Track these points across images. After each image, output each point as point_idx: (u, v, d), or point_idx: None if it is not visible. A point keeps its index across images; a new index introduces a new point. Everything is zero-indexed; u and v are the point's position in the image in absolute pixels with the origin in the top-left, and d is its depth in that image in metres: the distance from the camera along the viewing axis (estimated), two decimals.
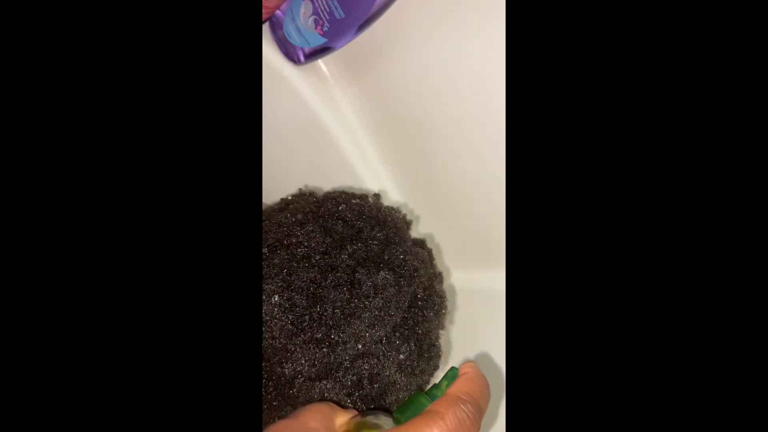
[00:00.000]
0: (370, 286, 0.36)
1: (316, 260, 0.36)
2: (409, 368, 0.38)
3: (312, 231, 0.38)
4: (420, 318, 0.39)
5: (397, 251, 0.39)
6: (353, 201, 0.42)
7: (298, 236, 0.37)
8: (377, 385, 0.36)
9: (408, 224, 0.46)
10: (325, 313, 0.35)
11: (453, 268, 0.58)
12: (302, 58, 0.48)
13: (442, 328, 0.43)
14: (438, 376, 0.43)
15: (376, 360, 0.36)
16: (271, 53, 0.49)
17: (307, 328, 0.35)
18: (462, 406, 0.30)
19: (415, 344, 0.38)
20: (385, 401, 0.37)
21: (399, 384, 0.37)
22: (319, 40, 0.46)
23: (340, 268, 0.36)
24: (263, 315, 0.35)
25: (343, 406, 0.37)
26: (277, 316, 0.34)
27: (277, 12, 0.47)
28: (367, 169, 0.56)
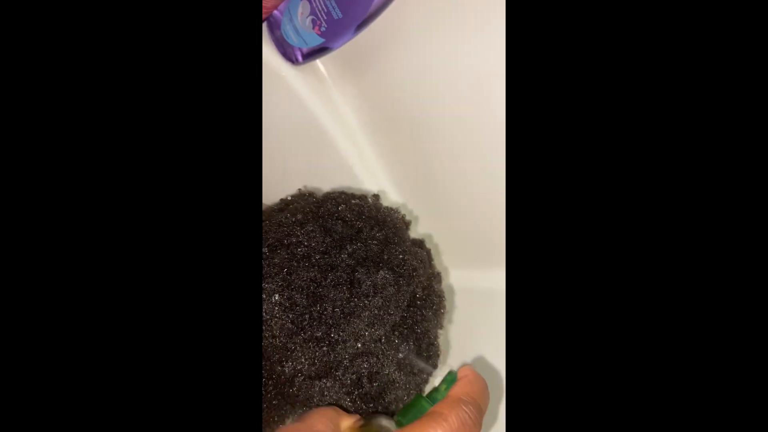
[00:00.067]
0: (369, 286, 0.36)
1: (316, 260, 0.36)
2: (407, 367, 0.38)
3: (312, 231, 0.38)
4: (419, 317, 0.39)
5: (396, 251, 0.39)
6: (353, 201, 0.42)
7: (298, 236, 0.38)
8: (376, 384, 0.36)
9: (407, 224, 0.46)
10: (325, 312, 0.35)
11: (451, 268, 0.58)
12: (300, 59, 0.48)
13: (441, 327, 0.43)
14: (435, 374, 0.43)
15: (375, 359, 0.36)
16: (269, 53, 0.49)
17: (307, 326, 0.35)
18: (464, 407, 0.31)
19: (414, 343, 0.39)
20: (384, 400, 0.37)
21: (398, 383, 0.38)
22: (317, 41, 0.46)
23: (339, 268, 0.36)
24: (263, 314, 0.35)
25: (345, 408, 0.38)
26: (277, 315, 0.34)
27: (275, 12, 0.47)
28: (366, 169, 0.56)
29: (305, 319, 0.35)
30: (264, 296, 0.35)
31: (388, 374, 0.37)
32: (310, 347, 0.35)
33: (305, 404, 0.37)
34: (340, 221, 0.40)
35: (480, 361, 0.52)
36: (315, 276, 0.36)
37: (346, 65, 0.52)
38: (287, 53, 0.48)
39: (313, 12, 0.44)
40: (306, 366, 0.35)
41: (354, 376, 0.36)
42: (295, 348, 0.35)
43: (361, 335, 0.36)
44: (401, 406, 0.40)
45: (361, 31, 0.45)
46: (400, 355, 0.37)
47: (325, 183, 0.54)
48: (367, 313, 0.35)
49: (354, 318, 0.35)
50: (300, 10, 0.45)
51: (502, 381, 0.47)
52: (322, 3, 0.43)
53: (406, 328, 0.39)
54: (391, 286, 0.37)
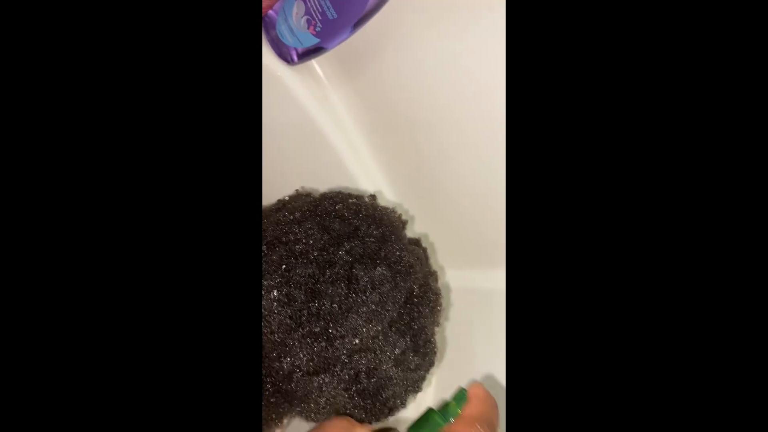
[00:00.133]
0: (367, 282, 0.36)
1: (314, 256, 0.37)
2: (405, 363, 0.38)
3: (310, 228, 0.38)
4: (416, 314, 0.40)
5: (393, 248, 0.39)
6: (350, 200, 0.43)
7: (296, 233, 0.38)
8: (374, 380, 0.36)
9: (403, 224, 0.46)
10: (323, 308, 0.35)
11: (447, 268, 0.58)
12: (295, 58, 0.48)
13: (437, 324, 0.43)
14: (432, 372, 0.43)
15: (372, 354, 0.36)
16: (264, 53, 0.49)
17: (305, 322, 0.35)
18: (479, 427, 0.32)
19: (411, 339, 0.39)
20: (381, 396, 0.37)
21: (395, 379, 0.38)
22: (312, 41, 0.46)
23: (337, 264, 0.37)
24: (262, 310, 0.35)
25: (344, 406, 0.38)
26: (276, 311, 0.35)
27: (270, 12, 0.47)
28: (362, 169, 0.56)
29: (303, 315, 0.35)
30: (262, 292, 0.35)
31: (385, 370, 0.37)
32: (308, 343, 0.35)
33: (303, 401, 0.37)
34: (337, 219, 0.40)
35: (477, 359, 0.52)
36: (313, 272, 0.36)
37: (342, 65, 0.52)
38: (282, 53, 0.48)
39: (307, 12, 0.44)
40: (304, 362, 0.35)
41: (352, 372, 0.36)
42: (294, 344, 0.35)
43: (358, 331, 0.36)
44: (399, 402, 0.40)
45: (356, 31, 0.45)
46: (397, 351, 0.38)
47: (321, 183, 0.54)
48: (364, 309, 0.36)
49: (352, 314, 0.35)
50: (295, 10, 0.45)
51: (497, 380, 0.48)
52: (316, 3, 0.44)
53: (403, 325, 0.39)
54: (388, 282, 0.37)
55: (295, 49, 0.48)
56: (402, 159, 0.55)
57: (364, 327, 0.36)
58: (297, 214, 0.40)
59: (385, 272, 0.37)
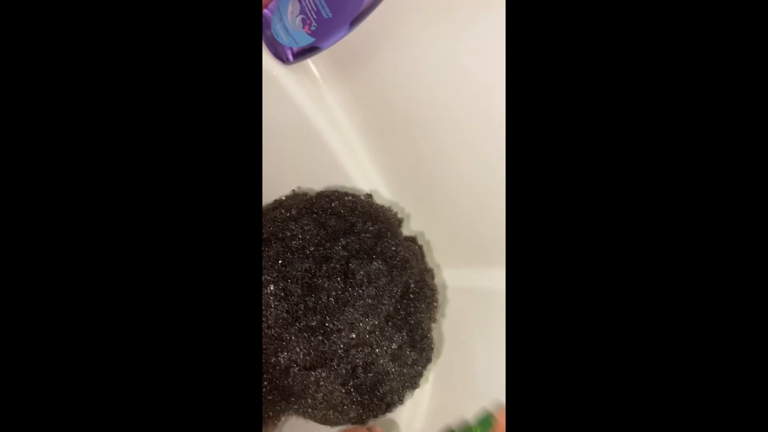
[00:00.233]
0: (363, 276, 0.36)
1: (310, 251, 0.37)
2: (401, 357, 0.39)
3: (306, 224, 0.38)
4: (412, 309, 0.40)
5: (389, 244, 0.39)
6: (346, 198, 0.43)
7: (293, 229, 0.38)
8: (371, 375, 0.37)
9: (399, 221, 0.46)
10: (319, 302, 0.35)
11: (443, 266, 0.58)
12: (291, 58, 0.48)
13: (434, 320, 0.44)
14: (428, 368, 0.43)
15: (369, 349, 0.36)
16: None
17: (302, 316, 0.35)
18: None
19: (408, 334, 0.39)
20: (378, 391, 0.38)
21: (392, 374, 0.38)
22: (307, 40, 0.46)
23: (334, 259, 0.37)
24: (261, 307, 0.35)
25: (341, 401, 0.38)
26: (273, 305, 0.35)
27: (265, 11, 0.48)
28: (358, 169, 0.57)
29: (300, 309, 0.35)
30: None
31: (382, 365, 0.37)
32: (305, 337, 0.35)
33: (301, 396, 0.37)
34: (333, 216, 0.40)
35: (474, 357, 0.52)
36: (309, 267, 0.36)
37: (338, 65, 0.52)
38: (278, 52, 0.49)
39: (302, 11, 0.45)
40: (301, 356, 0.35)
41: (349, 367, 0.36)
42: (291, 338, 0.35)
43: (355, 325, 0.36)
44: (396, 398, 0.40)
45: (351, 30, 0.45)
46: (394, 345, 0.38)
47: (317, 183, 0.54)
48: (360, 303, 0.36)
49: (348, 307, 0.36)
50: (290, 9, 0.45)
51: (496, 379, 0.47)
52: (311, 2, 0.44)
53: (399, 320, 0.39)
54: (384, 276, 0.37)
55: (291, 49, 0.48)
56: (398, 158, 0.56)
57: (361, 321, 0.36)
58: (293, 211, 0.40)
59: (381, 266, 0.37)
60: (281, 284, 0.35)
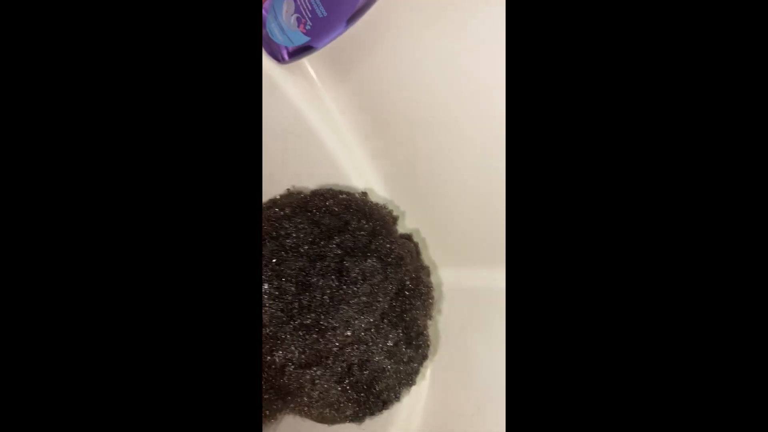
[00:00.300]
0: (357, 273, 0.36)
1: (304, 250, 0.37)
2: (397, 355, 0.39)
3: (300, 223, 0.38)
4: (407, 306, 0.40)
5: (383, 241, 0.39)
6: (340, 196, 0.43)
7: (287, 228, 0.38)
8: (367, 372, 0.37)
9: (394, 219, 0.46)
10: (314, 300, 0.35)
11: (439, 264, 0.58)
12: (286, 57, 0.48)
13: (430, 318, 0.44)
14: (427, 367, 0.43)
15: (365, 346, 0.36)
16: None
17: (296, 314, 0.35)
18: None
19: (403, 331, 0.39)
20: (375, 388, 0.38)
21: (388, 371, 0.38)
22: (302, 39, 0.46)
23: (328, 257, 0.37)
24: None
25: (337, 399, 0.38)
26: (267, 304, 0.35)
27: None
28: (354, 168, 0.57)
29: (295, 307, 0.35)
30: None
31: (378, 362, 0.37)
32: (299, 335, 0.35)
33: (297, 395, 0.37)
34: (327, 214, 0.40)
35: (472, 355, 0.52)
36: (304, 265, 0.36)
37: (334, 65, 0.52)
38: (273, 51, 0.49)
39: (297, 10, 0.45)
40: (296, 354, 0.35)
41: (344, 364, 0.36)
42: (286, 336, 0.35)
43: (350, 322, 0.36)
44: (392, 395, 0.40)
45: (346, 30, 0.45)
46: (390, 343, 0.38)
47: (313, 183, 0.54)
48: (355, 300, 0.36)
49: (343, 305, 0.36)
50: (285, 8, 0.45)
51: (495, 378, 0.48)
52: (306, 1, 0.44)
53: (394, 316, 0.39)
54: (378, 273, 0.37)
55: (286, 48, 0.48)
56: (395, 157, 0.56)
57: (356, 318, 0.36)
58: (287, 210, 0.40)
59: (375, 264, 0.37)
60: (275, 283, 0.35)
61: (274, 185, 0.50)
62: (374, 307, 0.37)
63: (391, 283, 0.38)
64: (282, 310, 0.35)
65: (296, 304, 0.35)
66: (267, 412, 0.40)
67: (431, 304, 0.43)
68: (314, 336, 0.35)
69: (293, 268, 0.36)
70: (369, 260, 0.37)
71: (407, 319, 0.40)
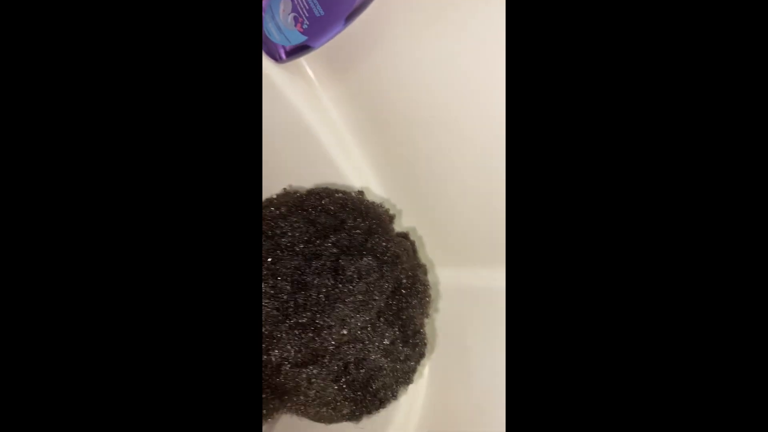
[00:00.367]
0: (353, 272, 0.36)
1: (300, 249, 0.37)
2: (394, 353, 0.39)
3: (295, 222, 0.38)
4: (404, 304, 0.40)
5: (379, 240, 0.39)
6: (336, 195, 0.43)
7: (282, 227, 0.38)
8: (363, 371, 0.37)
9: (390, 218, 0.46)
10: (309, 299, 0.35)
11: (439, 264, 0.58)
12: (283, 56, 0.48)
13: (427, 316, 0.44)
14: (425, 365, 0.43)
15: (361, 345, 0.36)
16: None
17: (292, 313, 0.35)
18: None
19: (400, 330, 0.39)
20: (371, 387, 0.38)
21: (385, 369, 0.38)
22: (300, 38, 0.46)
23: (323, 256, 0.37)
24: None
25: (333, 397, 0.38)
26: (263, 303, 0.35)
27: None
28: (351, 167, 0.57)
29: (290, 306, 0.35)
30: None
31: (374, 360, 0.37)
32: (295, 334, 0.35)
33: (294, 394, 0.37)
34: (323, 213, 0.40)
35: (470, 354, 0.52)
36: (299, 264, 0.36)
37: (332, 64, 0.52)
38: (270, 51, 0.49)
39: (294, 9, 0.45)
40: (292, 353, 0.35)
41: (341, 363, 0.36)
42: (281, 335, 0.35)
43: (346, 321, 0.36)
44: (389, 394, 0.40)
45: (344, 29, 0.45)
46: (386, 341, 0.38)
47: (311, 182, 0.54)
48: (351, 299, 0.36)
49: (339, 304, 0.36)
50: (282, 7, 0.45)
51: (494, 377, 0.47)
52: (303, 0, 0.44)
53: (391, 315, 0.39)
54: (374, 272, 0.37)
55: (283, 47, 0.48)
56: (393, 156, 0.56)
57: (352, 317, 0.36)
58: (283, 209, 0.40)
59: (371, 262, 0.37)
60: (271, 282, 0.35)
61: (271, 185, 0.50)
62: (370, 306, 0.37)
63: (387, 282, 0.38)
64: (278, 309, 0.35)
65: (292, 303, 0.35)
66: (264, 412, 0.40)
67: (428, 302, 0.43)
68: (310, 335, 0.35)
69: (289, 266, 0.36)
70: (365, 258, 0.37)
71: (404, 317, 0.39)
